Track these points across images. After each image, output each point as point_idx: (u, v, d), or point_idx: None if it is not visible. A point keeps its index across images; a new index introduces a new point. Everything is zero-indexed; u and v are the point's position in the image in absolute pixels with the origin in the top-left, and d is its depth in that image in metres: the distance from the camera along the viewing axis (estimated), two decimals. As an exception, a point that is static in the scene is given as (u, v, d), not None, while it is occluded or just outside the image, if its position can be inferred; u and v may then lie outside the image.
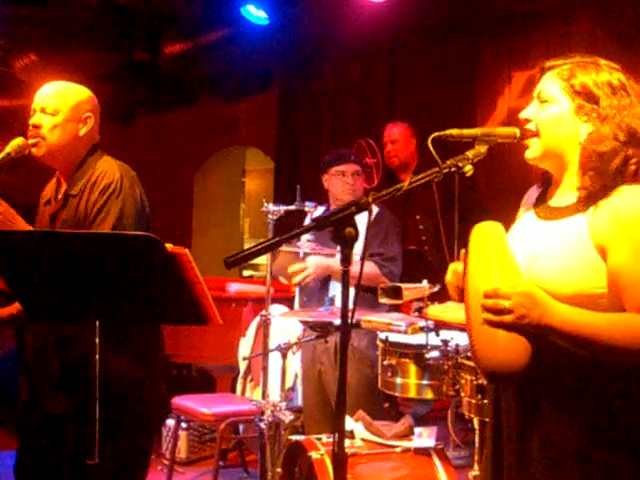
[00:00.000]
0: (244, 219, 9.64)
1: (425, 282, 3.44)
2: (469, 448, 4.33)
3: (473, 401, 3.13)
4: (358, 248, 1.96)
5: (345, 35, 6.57)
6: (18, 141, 2.89)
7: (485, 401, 3.03)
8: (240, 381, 5.20)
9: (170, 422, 4.98)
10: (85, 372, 2.47)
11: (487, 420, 2.32)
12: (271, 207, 3.94)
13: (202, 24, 6.71)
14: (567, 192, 2.04)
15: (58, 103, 2.93)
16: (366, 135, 6.55)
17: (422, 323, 3.37)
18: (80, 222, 2.85)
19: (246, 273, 9.10)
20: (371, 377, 3.84)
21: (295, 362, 4.67)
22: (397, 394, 3.58)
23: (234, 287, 6.03)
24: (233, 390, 5.42)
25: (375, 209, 4.11)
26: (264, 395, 3.88)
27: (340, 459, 1.88)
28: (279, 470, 3.58)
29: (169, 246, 2.29)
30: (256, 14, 6.51)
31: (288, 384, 4.49)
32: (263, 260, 4.59)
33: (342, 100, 7.24)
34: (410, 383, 3.41)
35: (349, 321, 1.93)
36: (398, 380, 3.43)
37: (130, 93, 7.31)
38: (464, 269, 2.07)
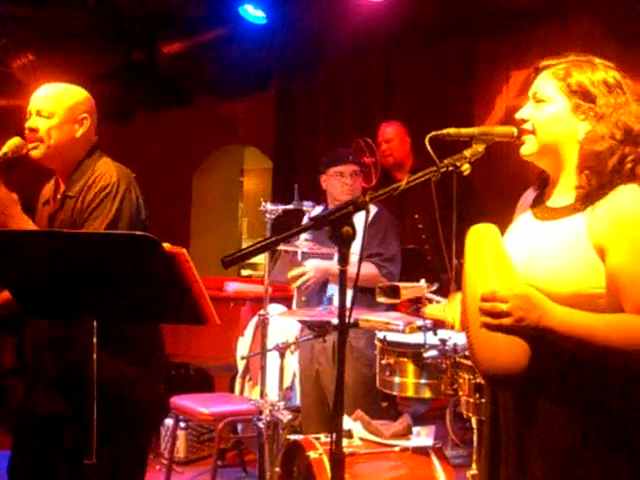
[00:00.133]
0: (242, 219, 9.63)
1: (423, 281, 3.43)
2: (467, 447, 4.34)
3: (471, 400, 3.13)
4: (356, 247, 1.96)
5: (343, 34, 6.56)
6: (15, 141, 2.89)
7: (483, 400, 3.03)
8: (238, 381, 5.20)
9: (168, 422, 4.98)
10: (82, 372, 2.46)
11: (485, 419, 2.32)
12: (269, 206, 3.94)
13: (200, 24, 6.71)
14: (564, 192, 2.04)
15: (53, 105, 2.92)
16: (364, 134, 6.54)
17: (420, 322, 3.37)
18: (76, 222, 2.85)
19: (245, 272, 9.10)
20: (369, 376, 3.84)
21: (293, 361, 4.67)
22: (395, 393, 3.58)
23: (232, 286, 6.03)
24: (231, 390, 5.41)
25: (374, 208, 4.11)
26: (262, 395, 3.88)
27: (337, 458, 1.88)
28: (277, 470, 3.57)
29: (166, 246, 2.29)
30: (254, 14, 6.51)
31: (286, 383, 4.49)
32: (261, 260, 4.60)
33: (340, 99, 7.24)
34: (408, 382, 3.41)
35: (346, 321, 1.93)
36: (396, 379, 3.43)
37: (128, 93, 7.30)
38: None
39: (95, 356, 2.42)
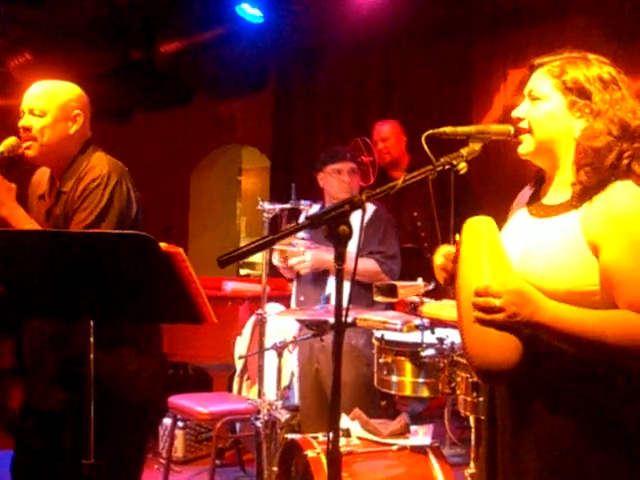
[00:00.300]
0: (241, 218, 9.63)
1: (420, 280, 3.44)
2: (465, 446, 4.34)
3: (469, 399, 3.13)
4: (353, 247, 1.96)
5: (341, 33, 6.57)
6: (11, 140, 2.88)
7: (480, 399, 3.03)
8: (236, 380, 5.20)
9: (167, 421, 4.98)
10: (81, 369, 2.46)
11: (482, 418, 2.32)
12: (266, 205, 3.94)
13: (197, 23, 6.71)
14: (560, 189, 2.04)
15: (45, 104, 2.91)
16: (362, 134, 6.54)
17: (417, 321, 3.37)
18: (68, 216, 2.85)
19: (243, 272, 9.10)
20: (368, 375, 3.84)
21: (292, 360, 4.67)
22: (393, 392, 3.59)
23: (230, 286, 6.03)
24: (229, 389, 5.41)
25: (372, 207, 4.11)
26: (260, 394, 3.88)
27: (334, 457, 1.88)
28: (275, 469, 3.57)
29: (163, 245, 2.29)
30: (251, 12, 6.50)
31: (284, 383, 4.50)
32: (260, 259, 4.59)
33: (338, 98, 7.24)
34: (406, 381, 3.41)
35: (343, 319, 1.93)
36: (394, 378, 3.43)
37: (126, 92, 7.30)
38: (456, 254, 2.07)
39: (92, 356, 2.42)
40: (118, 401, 2.79)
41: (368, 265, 4.04)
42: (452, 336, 3.31)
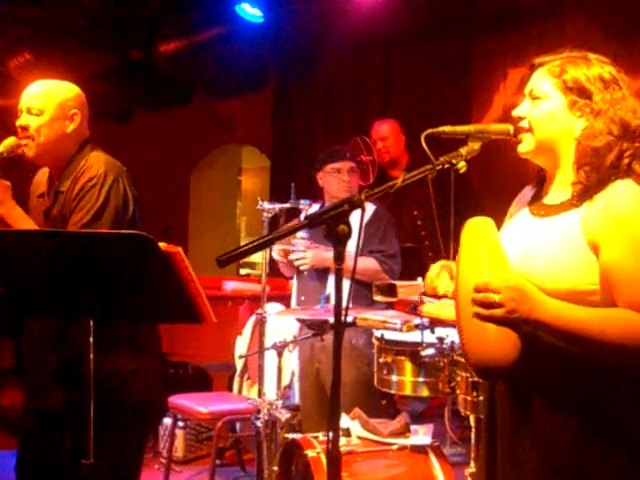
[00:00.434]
0: (241, 217, 9.64)
1: (420, 280, 3.43)
2: (466, 445, 4.33)
3: (469, 398, 3.12)
4: (353, 246, 1.96)
5: (340, 33, 6.57)
6: (10, 141, 2.88)
7: (481, 398, 3.03)
8: (237, 379, 5.20)
9: (167, 421, 4.97)
10: (80, 368, 2.46)
11: (482, 417, 2.32)
12: (266, 205, 3.93)
13: (197, 22, 6.71)
14: (560, 189, 2.04)
15: (43, 102, 2.91)
16: (362, 133, 6.54)
17: (417, 321, 3.37)
18: (65, 217, 2.85)
19: (243, 271, 9.10)
20: (368, 375, 3.83)
21: (292, 360, 4.67)
22: (393, 392, 3.58)
23: (230, 285, 6.03)
24: (230, 388, 5.41)
25: (372, 207, 4.11)
26: (260, 393, 3.88)
27: (334, 457, 1.88)
28: (276, 468, 3.57)
29: (162, 245, 2.29)
30: (251, 12, 6.51)
31: (284, 382, 4.49)
32: (260, 258, 4.59)
33: (337, 98, 7.24)
34: (406, 381, 3.40)
35: (343, 319, 1.92)
36: (394, 378, 3.43)
37: (125, 92, 7.30)
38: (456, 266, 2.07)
39: (92, 355, 2.41)
40: (117, 401, 2.78)
41: (368, 264, 4.04)
42: (452, 335, 3.30)
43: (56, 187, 2.94)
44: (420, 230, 5.21)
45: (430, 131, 2.04)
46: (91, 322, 2.41)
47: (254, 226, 9.23)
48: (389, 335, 3.49)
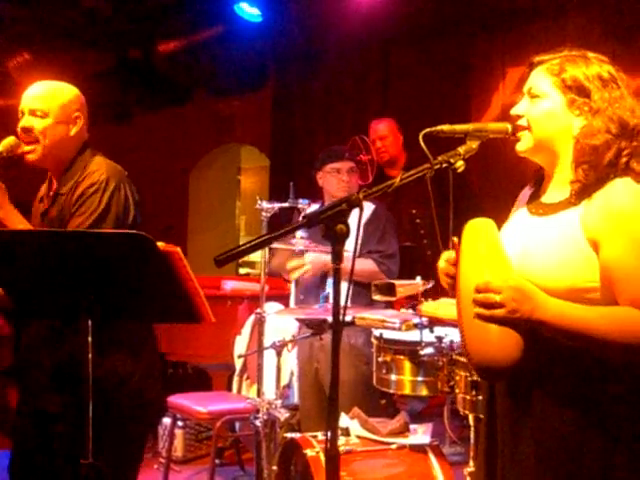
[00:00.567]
0: (240, 217, 9.64)
1: (419, 279, 3.43)
2: (465, 444, 4.33)
3: (468, 397, 3.12)
4: (351, 245, 1.96)
5: (340, 32, 6.57)
6: (10, 140, 2.87)
7: (480, 397, 3.03)
8: (236, 379, 5.20)
9: (166, 421, 4.98)
10: (77, 369, 2.46)
11: (482, 416, 2.32)
12: (265, 204, 3.93)
13: (196, 22, 6.71)
14: (559, 187, 2.04)
15: (47, 104, 2.89)
16: (361, 132, 6.54)
17: (416, 320, 3.36)
18: (64, 219, 2.84)
19: (242, 271, 9.10)
20: (367, 374, 3.83)
21: (291, 359, 4.67)
22: (392, 391, 3.58)
23: (229, 285, 6.03)
24: (229, 388, 5.41)
25: (371, 206, 4.11)
26: (259, 393, 3.88)
27: (332, 456, 1.88)
28: (275, 468, 3.57)
29: (161, 244, 2.28)
30: (250, 11, 6.51)
31: (283, 382, 4.49)
32: (259, 258, 4.59)
33: (337, 97, 7.24)
34: (405, 380, 3.40)
35: (341, 318, 1.92)
36: (393, 377, 3.42)
37: (124, 91, 7.30)
38: (456, 257, 2.07)
39: (90, 355, 2.41)
40: (114, 402, 2.78)
41: (366, 265, 4.03)
42: (451, 335, 3.30)
43: (56, 190, 2.94)
44: (419, 229, 5.21)
45: (428, 130, 2.04)
46: (90, 322, 2.41)
47: (253, 225, 9.23)
48: (388, 334, 3.48)
